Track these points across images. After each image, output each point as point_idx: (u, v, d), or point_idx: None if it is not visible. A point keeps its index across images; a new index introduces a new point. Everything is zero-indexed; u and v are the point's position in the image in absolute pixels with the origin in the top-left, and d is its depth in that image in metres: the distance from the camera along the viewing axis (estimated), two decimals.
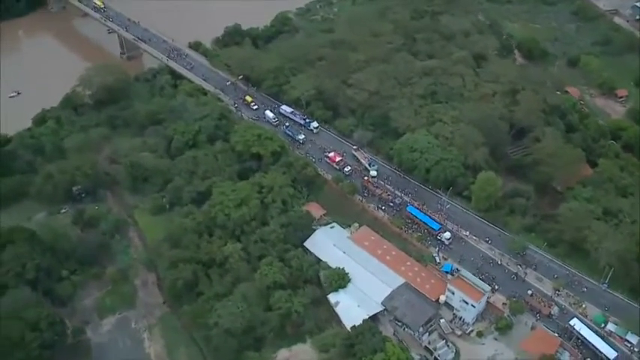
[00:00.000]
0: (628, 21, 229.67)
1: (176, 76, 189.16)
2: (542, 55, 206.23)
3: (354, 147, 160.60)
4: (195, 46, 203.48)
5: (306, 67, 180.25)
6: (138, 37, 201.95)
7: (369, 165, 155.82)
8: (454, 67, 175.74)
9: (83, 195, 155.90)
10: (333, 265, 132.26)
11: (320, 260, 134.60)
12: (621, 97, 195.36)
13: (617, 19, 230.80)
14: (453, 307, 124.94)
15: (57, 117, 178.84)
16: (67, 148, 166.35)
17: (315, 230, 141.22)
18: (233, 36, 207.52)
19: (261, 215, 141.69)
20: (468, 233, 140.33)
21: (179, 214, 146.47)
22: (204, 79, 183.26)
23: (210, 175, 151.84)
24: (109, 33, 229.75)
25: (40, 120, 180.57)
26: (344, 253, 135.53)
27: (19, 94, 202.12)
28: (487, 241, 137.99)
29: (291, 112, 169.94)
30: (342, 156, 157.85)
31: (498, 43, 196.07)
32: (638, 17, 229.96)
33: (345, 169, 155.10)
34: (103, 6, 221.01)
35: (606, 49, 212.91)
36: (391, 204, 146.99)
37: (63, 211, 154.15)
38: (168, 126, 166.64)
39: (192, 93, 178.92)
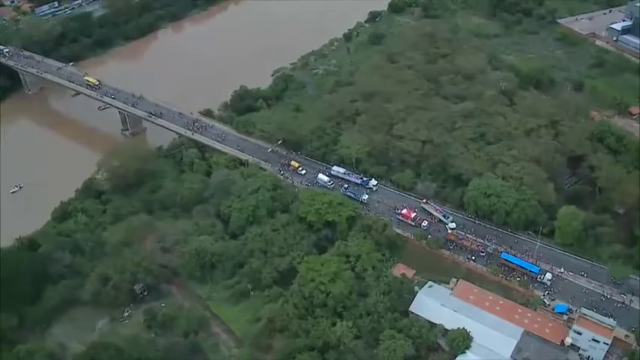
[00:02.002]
0: (608, 42, 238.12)
1: (201, 149, 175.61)
2: (550, 83, 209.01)
3: (423, 200, 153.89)
4: (207, 114, 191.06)
5: (346, 123, 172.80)
6: (151, 113, 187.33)
7: (444, 217, 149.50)
8: (491, 107, 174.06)
9: (145, 293, 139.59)
10: (448, 326, 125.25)
11: (431, 323, 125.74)
12: (634, 115, 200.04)
13: (598, 42, 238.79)
14: (578, 347, 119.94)
15: (81, 209, 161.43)
16: (107, 242, 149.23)
17: (415, 293, 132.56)
18: (243, 99, 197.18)
19: (357, 286, 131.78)
20: (562, 270, 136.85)
21: (263, 298, 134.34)
22: (240, 150, 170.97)
23: (286, 252, 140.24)
24: (101, 110, 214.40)
25: (62, 214, 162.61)
26: (454, 311, 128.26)
27: (21, 187, 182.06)
28: (583, 275, 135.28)
29: (345, 173, 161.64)
30: (415, 211, 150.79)
31: (515, 77, 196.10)
32: (615, 39, 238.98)
33: (423, 224, 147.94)
34: (97, 83, 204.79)
35: (603, 72, 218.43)
36: (482, 253, 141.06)
37: (126, 314, 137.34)
38: (217, 204, 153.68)
39: (228, 165, 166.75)
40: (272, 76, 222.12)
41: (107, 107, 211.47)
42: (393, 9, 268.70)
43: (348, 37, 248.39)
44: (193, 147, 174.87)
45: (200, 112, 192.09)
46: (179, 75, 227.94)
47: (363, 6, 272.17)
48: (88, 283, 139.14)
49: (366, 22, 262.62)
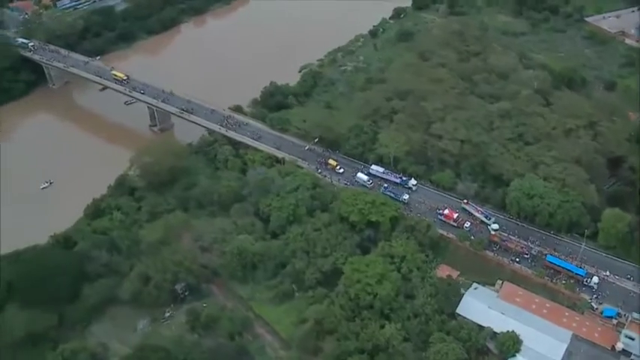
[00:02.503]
0: (638, 41, 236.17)
1: (235, 145, 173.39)
2: (582, 82, 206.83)
3: (464, 200, 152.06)
4: (237, 110, 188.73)
5: (383, 121, 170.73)
6: (182, 109, 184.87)
7: (486, 218, 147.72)
8: (528, 107, 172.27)
9: (186, 293, 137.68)
10: (496, 329, 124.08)
11: (479, 326, 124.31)
12: None
13: (627, 41, 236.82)
14: (630, 353, 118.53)
15: (115, 206, 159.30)
16: (144, 241, 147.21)
17: (461, 295, 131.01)
18: (273, 95, 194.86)
19: (403, 288, 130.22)
20: (608, 273, 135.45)
21: (307, 299, 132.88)
22: (276, 147, 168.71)
23: (329, 252, 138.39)
24: (128, 105, 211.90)
25: (95, 211, 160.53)
26: (502, 314, 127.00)
27: (51, 183, 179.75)
28: (630, 279, 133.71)
29: (384, 172, 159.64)
30: (457, 212, 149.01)
31: (548, 76, 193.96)
32: None
33: (465, 225, 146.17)
34: (125, 78, 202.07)
35: (633, 70, 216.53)
36: (526, 255, 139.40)
37: (167, 314, 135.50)
38: (256, 202, 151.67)
39: (264, 163, 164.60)
40: (299, 72, 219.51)
41: (134, 102, 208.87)
42: (418, 5, 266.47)
43: (373, 33, 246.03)
44: (227, 144, 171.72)
45: (230, 108, 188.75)
46: (203, 70, 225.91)
47: (386, 2, 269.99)
48: (127, 282, 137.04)
49: (390, 18, 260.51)
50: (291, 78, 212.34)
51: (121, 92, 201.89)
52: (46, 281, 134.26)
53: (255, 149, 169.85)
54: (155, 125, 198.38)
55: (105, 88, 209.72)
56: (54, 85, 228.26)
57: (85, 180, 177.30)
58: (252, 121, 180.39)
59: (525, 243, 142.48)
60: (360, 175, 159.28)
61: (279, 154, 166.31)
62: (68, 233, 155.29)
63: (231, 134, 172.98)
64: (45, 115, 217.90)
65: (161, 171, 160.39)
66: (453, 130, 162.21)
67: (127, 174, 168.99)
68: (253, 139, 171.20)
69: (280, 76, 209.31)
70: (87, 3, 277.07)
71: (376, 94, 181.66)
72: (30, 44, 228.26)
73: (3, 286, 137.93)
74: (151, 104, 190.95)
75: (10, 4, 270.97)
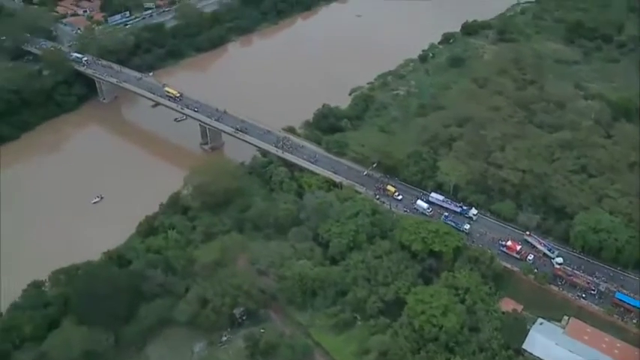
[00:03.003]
0: None
1: (289, 167, 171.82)
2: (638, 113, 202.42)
3: (526, 232, 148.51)
4: (290, 132, 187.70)
5: (441, 148, 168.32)
6: (237, 129, 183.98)
7: (549, 251, 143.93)
8: (589, 138, 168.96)
9: (244, 317, 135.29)
10: None
11: None
12: None
13: None
14: None
15: (169, 224, 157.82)
16: (199, 261, 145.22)
17: (527, 330, 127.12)
18: (327, 118, 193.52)
19: (468, 321, 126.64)
20: None
21: (368, 329, 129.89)
22: (333, 171, 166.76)
23: (390, 281, 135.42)
24: (178, 121, 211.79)
25: (148, 228, 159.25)
26: (570, 352, 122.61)
27: (102, 198, 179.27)
28: None
29: (444, 200, 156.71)
30: (520, 244, 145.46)
31: (606, 107, 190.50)
32: None
33: (528, 257, 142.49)
34: (178, 95, 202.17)
35: None
36: (592, 291, 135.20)
37: (224, 338, 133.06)
38: (314, 227, 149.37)
39: (321, 186, 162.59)
40: (350, 95, 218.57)
41: (184, 119, 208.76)
42: (466, 31, 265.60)
43: (423, 58, 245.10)
44: (282, 165, 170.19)
45: (284, 130, 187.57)
46: (250, 89, 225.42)
47: (433, 27, 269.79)
48: (183, 304, 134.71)
49: (439, 43, 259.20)
50: (340, 100, 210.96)
51: (173, 109, 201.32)
52: (103, 299, 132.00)
53: (311, 172, 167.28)
54: (206, 143, 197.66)
55: (157, 104, 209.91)
56: (104, 99, 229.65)
57: (134, 195, 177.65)
58: (307, 143, 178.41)
59: (591, 278, 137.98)
60: (419, 202, 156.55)
61: (336, 179, 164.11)
62: (121, 250, 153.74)
63: (288, 156, 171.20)
64: (95, 128, 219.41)
65: (217, 191, 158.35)
66: (514, 160, 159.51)
67: (180, 192, 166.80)
68: (310, 161, 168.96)
69: (329, 98, 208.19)
70: (137, 19, 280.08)
71: (434, 120, 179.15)
72: (84, 59, 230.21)
73: (58, 300, 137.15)
74: (205, 123, 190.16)
75: (64, 20, 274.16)
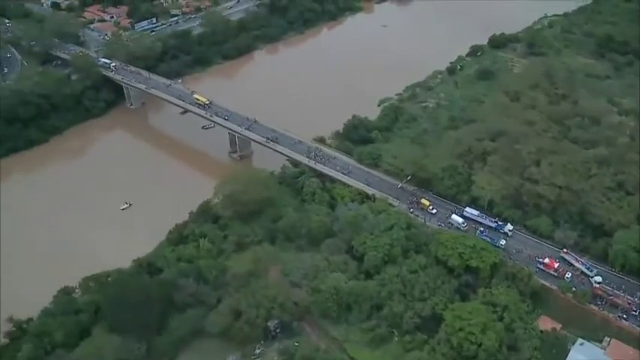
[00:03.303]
0: None
1: (320, 177, 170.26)
2: None
3: (563, 249, 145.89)
4: (320, 142, 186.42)
5: (475, 162, 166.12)
6: (268, 138, 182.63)
7: (587, 269, 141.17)
8: (626, 155, 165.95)
9: (278, 330, 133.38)
10: None
11: None
12: None
13: None
14: None
15: (200, 233, 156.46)
16: (231, 272, 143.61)
17: (567, 350, 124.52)
18: (357, 129, 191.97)
19: (507, 339, 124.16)
20: None
21: (404, 344, 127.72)
22: (366, 183, 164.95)
23: (427, 296, 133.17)
24: (205, 129, 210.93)
25: (178, 237, 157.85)
26: None
27: (130, 205, 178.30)
28: None
29: (478, 215, 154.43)
30: (557, 261, 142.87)
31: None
32: None
33: (566, 275, 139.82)
34: (208, 102, 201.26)
35: None
36: (634, 312, 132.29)
37: (257, 351, 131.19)
38: (348, 239, 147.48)
39: (354, 199, 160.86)
40: (378, 106, 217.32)
41: (212, 127, 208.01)
42: (494, 44, 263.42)
43: (451, 70, 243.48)
44: (314, 176, 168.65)
45: (314, 140, 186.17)
46: (277, 97, 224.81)
47: (459, 39, 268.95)
48: (215, 315, 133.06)
49: (467, 55, 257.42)
50: (367, 111, 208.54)
51: (202, 117, 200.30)
52: (134, 308, 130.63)
53: (343, 184, 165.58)
54: (235, 152, 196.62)
55: (186, 111, 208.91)
56: (132, 105, 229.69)
57: (162, 203, 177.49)
58: (339, 155, 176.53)
59: (632, 299, 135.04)
60: (454, 216, 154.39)
61: (369, 191, 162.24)
62: (151, 258, 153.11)
63: (320, 167, 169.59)
64: (123, 134, 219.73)
65: (249, 201, 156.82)
66: (550, 176, 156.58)
67: (210, 201, 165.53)
68: (343, 173, 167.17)
69: (356, 108, 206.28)
70: (163, 26, 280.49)
71: (466, 133, 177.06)
72: (112, 64, 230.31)
73: (89, 308, 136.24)
74: (235, 131, 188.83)
75: (91, 25, 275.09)
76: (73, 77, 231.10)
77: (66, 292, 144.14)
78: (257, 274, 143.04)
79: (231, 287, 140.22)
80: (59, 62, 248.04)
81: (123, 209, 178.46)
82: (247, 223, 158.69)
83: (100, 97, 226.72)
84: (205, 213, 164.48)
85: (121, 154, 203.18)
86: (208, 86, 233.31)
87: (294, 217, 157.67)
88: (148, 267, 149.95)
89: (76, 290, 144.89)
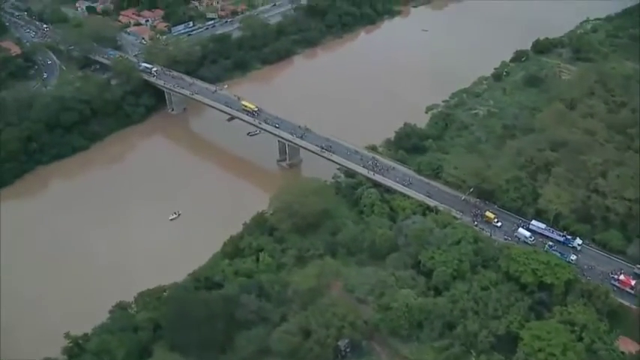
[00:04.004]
0: None
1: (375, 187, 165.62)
2: None
3: (637, 266, 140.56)
4: (373, 150, 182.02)
5: (538, 174, 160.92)
6: (323, 147, 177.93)
7: None
8: None
9: (348, 350, 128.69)
10: None
11: None
12: None
13: None
14: None
15: (257, 246, 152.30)
16: (291, 287, 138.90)
17: None
18: (410, 137, 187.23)
19: None
20: None
21: None
22: (428, 195, 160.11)
23: (500, 314, 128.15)
24: (251, 136, 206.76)
25: (234, 249, 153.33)
26: None
27: (179, 215, 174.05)
28: None
29: (545, 229, 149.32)
30: (634, 278, 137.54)
31: None
32: None
33: None
34: (256, 109, 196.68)
35: None
36: None
37: None
38: (414, 254, 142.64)
39: (415, 211, 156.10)
40: (426, 113, 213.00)
41: (257, 133, 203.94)
42: (538, 49, 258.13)
43: (497, 76, 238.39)
44: (371, 187, 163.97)
45: (366, 148, 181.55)
46: (319, 103, 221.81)
47: (501, 44, 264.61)
48: (282, 334, 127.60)
49: (511, 61, 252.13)
50: (413, 117, 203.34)
51: (251, 124, 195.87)
52: (197, 325, 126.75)
53: (403, 195, 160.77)
54: (284, 160, 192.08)
55: (233, 118, 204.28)
56: (173, 110, 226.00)
57: (211, 212, 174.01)
58: (397, 165, 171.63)
59: None
60: (521, 230, 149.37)
61: (431, 203, 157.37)
62: (207, 272, 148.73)
63: (379, 178, 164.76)
64: (165, 141, 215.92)
65: (308, 213, 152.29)
66: (619, 188, 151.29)
67: (264, 212, 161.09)
68: (403, 184, 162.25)
69: (401, 114, 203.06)
70: (200, 30, 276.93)
71: (526, 143, 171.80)
72: (153, 69, 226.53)
73: (148, 325, 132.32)
74: (287, 140, 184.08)
75: (128, 29, 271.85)
76: (113, 82, 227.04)
77: (121, 307, 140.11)
78: (320, 289, 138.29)
79: (295, 304, 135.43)
80: (97, 67, 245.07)
81: (172, 219, 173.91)
82: (305, 236, 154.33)
83: (141, 103, 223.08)
84: (261, 225, 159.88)
85: (164, 162, 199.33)
86: (249, 91, 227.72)
87: (354, 230, 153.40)
88: (205, 281, 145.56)
89: (132, 305, 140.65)
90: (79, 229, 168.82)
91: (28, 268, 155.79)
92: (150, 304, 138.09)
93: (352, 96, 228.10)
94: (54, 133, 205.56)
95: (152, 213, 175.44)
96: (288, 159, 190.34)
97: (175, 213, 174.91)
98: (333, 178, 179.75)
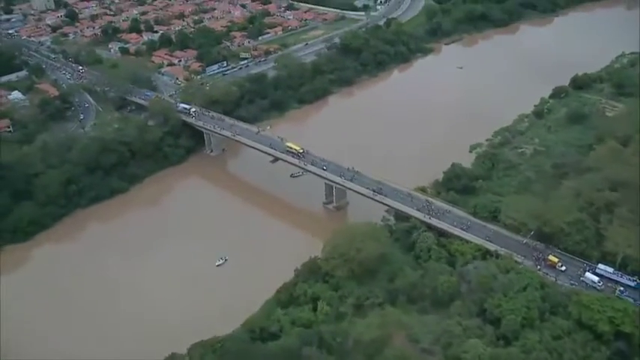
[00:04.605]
0: None
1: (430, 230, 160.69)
2: None
3: None
4: (422, 192, 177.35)
5: (601, 215, 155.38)
6: (374, 190, 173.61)
7: None
8: None
9: None
10: None
11: None
12: None
13: None
14: None
15: (312, 294, 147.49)
16: (358, 339, 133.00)
17: None
18: (460, 178, 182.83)
19: None
20: None
21: None
22: (488, 239, 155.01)
23: None
24: (293, 177, 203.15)
25: (288, 297, 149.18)
26: None
27: (226, 260, 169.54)
28: None
29: (613, 273, 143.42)
30: None
31: None
32: None
33: None
34: (302, 151, 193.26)
35: None
36: None
37: None
38: (478, 301, 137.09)
39: (475, 255, 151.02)
40: (470, 152, 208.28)
41: (300, 175, 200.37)
42: (577, 85, 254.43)
43: (538, 113, 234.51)
44: (426, 230, 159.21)
45: (416, 190, 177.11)
46: (358, 144, 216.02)
47: (536, 80, 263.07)
48: None
49: (549, 97, 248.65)
50: (456, 157, 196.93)
51: (297, 166, 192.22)
52: None
53: (460, 238, 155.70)
54: (330, 202, 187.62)
55: (277, 159, 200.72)
56: (212, 152, 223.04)
57: (257, 257, 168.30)
58: (452, 207, 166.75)
59: None
60: (588, 275, 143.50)
61: (490, 247, 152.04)
62: (261, 321, 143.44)
63: (436, 222, 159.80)
64: (204, 183, 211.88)
65: (365, 259, 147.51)
66: None
67: (317, 258, 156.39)
68: (462, 228, 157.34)
69: (444, 154, 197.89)
70: (234, 69, 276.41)
71: (584, 183, 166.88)
72: (192, 110, 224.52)
73: None
74: (335, 182, 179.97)
75: (161, 70, 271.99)
76: (150, 123, 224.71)
77: None
78: (383, 340, 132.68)
79: (359, 356, 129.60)
80: (133, 107, 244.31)
81: (218, 265, 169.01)
82: (362, 283, 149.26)
83: (180, 144, 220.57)
84: (314, 271, 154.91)
85: (204, 205, 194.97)
86: (287, 131, 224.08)
87: (413, 276, 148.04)
88: (260, 332, 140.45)
89: (186, 358, 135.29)
90: (121, 274, 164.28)
91: (68, 317, 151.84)
92: (206, 356, 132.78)
93: (391, 135, 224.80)
94: (93, 175, 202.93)
95: (197, 258, 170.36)
96: (335, 201, 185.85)
97: (222, 259, 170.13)
98: (382, 220, 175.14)
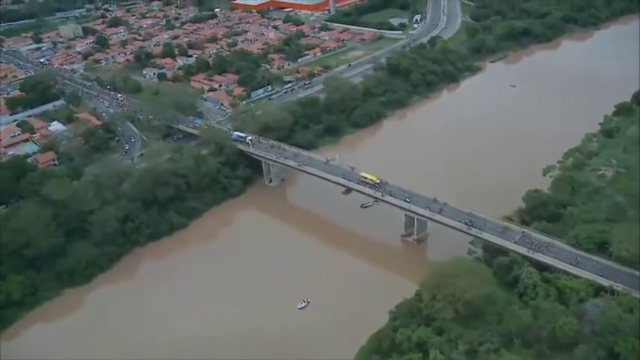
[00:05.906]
0: None
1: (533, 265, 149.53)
2: None
3: None
4: (510, 221, 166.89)
5: None
6: (467, 223, 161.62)
7: None
8: None
9: None
10: None
11: None
12: None
13: None
14: None
15: (417, 341, 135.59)
16: None
17: None
18: (546, 205, 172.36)
19: None
20: None
21: None
22: (601, 275, 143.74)
23: None
24: (364, 207, 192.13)
25: (390, 344, 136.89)
26: None
27: (308, 302, 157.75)
28: None
29: None
30: None
31: None
32: None
33: None
34: (378, 182, 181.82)
35: None
36: None
37: None
38: (605, 344, 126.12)
39: (587, 291, 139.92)
40: (544, 175, 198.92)
41: (370, 205, 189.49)
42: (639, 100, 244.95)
43: (607, 132, 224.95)
44: (530, 266, 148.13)
45: (504, 219, 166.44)
46: (421, 169, 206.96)
47: (591, 97, 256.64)
48: None
49: (613, 115, 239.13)
50: (528, 181, 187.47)
51: (374, 197, 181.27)
52: None
53: (567, 273, 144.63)
54: (410, 235, 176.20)
55: (349, 190, 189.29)
56: (270, 182, 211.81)
57: (338, 298, 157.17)
58: (553, 240, 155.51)
59: None
60: None
61: (604, 282, 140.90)
62: None
63: (540, 257, 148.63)
64: (266, 217, 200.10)
65: (472, 298, 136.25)
66: None
67: (414, 300, 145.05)
68: (571, 264, 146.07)
69: (513, 177, 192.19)
70: (279, 93, 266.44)
71: None
72: (248, 138, 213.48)
73: None
74: (420, 214, 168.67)
75: (204, 95, 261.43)
76: (203, 152, 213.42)
77: None
78: None
79: None
80: (180, 136, 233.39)
81: (301, 308, 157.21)
82: (469, 326, 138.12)
83: (237, 175, 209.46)
84: (413, 313, 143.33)
85: (270, 240, 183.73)
86: (346, 158, 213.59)
87: (524, 317, 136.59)
88: None
89: None
90: (187, 323, 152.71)
91: None
92: None
93: (455, 160, 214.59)
94: (150, 210, 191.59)
95: (276, 301, 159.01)
96: (415, 234, 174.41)
97: (304, 301, 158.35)
98: (468, 253, 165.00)
